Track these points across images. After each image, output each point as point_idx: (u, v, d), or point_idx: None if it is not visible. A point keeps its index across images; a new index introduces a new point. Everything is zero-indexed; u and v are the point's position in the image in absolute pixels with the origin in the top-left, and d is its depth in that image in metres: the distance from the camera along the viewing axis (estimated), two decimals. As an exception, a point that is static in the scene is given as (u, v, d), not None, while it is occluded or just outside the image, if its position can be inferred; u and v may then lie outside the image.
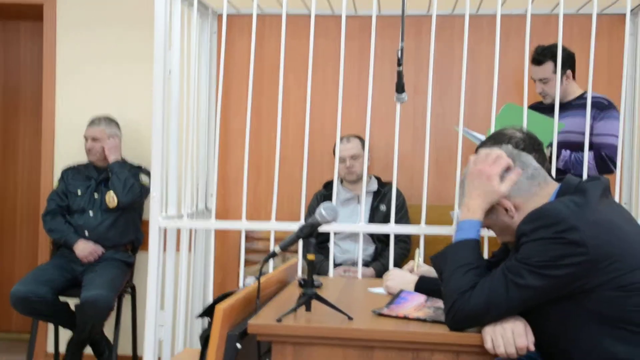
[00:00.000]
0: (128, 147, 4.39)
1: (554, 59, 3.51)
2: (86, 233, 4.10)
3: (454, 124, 4.07)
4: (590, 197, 1.78)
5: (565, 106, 3.60)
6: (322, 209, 2.02)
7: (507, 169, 1.89)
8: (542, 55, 3.63)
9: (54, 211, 4.15)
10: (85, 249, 4.04)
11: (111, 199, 4.10)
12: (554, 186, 1.91)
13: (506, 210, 1.89)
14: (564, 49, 3.59)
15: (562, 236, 1.70)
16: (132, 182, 4.08)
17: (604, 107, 3.54)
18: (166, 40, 3.24)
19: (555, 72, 3.54)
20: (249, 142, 3.28)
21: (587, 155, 3.17)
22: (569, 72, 3.67)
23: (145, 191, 4.04)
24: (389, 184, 3.99)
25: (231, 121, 4.34)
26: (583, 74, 3.97)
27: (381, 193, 4.02)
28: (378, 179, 4.12)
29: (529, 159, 1.93)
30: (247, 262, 3.61)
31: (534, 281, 1.72)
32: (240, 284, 3.49)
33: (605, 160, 3.45)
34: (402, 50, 2.80)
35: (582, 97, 3.65)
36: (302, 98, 3.30)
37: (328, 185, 4.04)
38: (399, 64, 2.79)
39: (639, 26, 3.92)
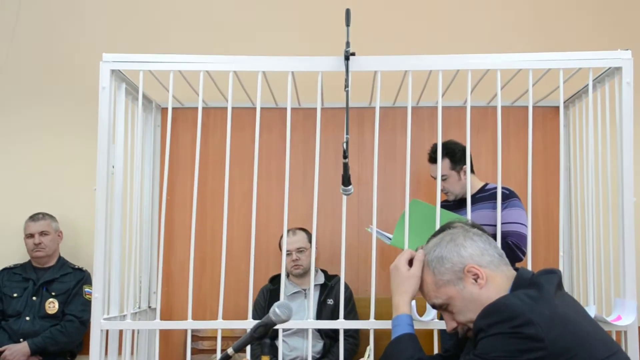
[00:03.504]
0: (65, 245, 4.27)
1: (448, 155, 3.63)
2: (21, 340, 3.90)
3: (399, 213, 4.11)
4: (545, 291, 1.77)
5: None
6: (277, 308, 1.97)
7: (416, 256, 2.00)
8: (436, 153, 3.68)
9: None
10: (13, 353, 3.83)
11: (51, 304, 3.95)
12: (513, 272, 1.92)
13: (475, 279, 1.88)
14: (456, 145, 3.70)
15: (518, 331, 1.68)
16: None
17: (507, 197, 3.61)
18: (110, 135, 3.19)
19: (452, 168, 3.68)
20: (194, 237, 3.21)
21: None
22: (464, 167, 3.74)
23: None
24: (336, 277, 3.95)
25: (175, 215, 4.27)
26: (519, 163, 4.11)
27: (328, 286, 3.97)
28: (324, 272, 4.07)
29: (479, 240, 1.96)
30: (192, 363, 3.47)
31: None
32: (186, 386, 3.34)
33: (513, 248, 3.48)
34: (347, 142, 2.81)
35: (483, 189, 3.74)
36: (247, 191, 3.28)
37: (274, 279, 3.97)
38: (345, 156, 2.79)
39: (571, 118, 4.08)
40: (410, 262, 2.03)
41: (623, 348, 3.02)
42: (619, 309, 3.11)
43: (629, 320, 3.03)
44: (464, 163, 3.71)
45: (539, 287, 1.78)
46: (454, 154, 3.69)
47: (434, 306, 1.96)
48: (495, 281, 1.88)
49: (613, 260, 3.26)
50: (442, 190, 3.77)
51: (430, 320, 3.01)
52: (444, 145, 3.68)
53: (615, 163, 3.21)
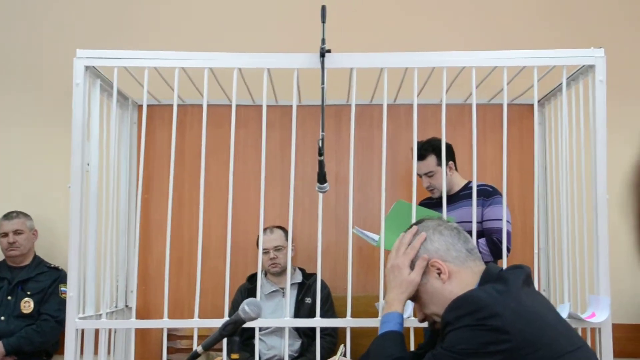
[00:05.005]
0: (41, 244, 4.23)
1: (435, 151, 3.63)
2: (-4, 340, 3.87)
3: (377, 211, 4.11)
4: (511, 285, 1.78)
5: (453, 198, 3.68)
6: (245, 306, 1.96)
7: (417, 258, 1.95)
8: (424, 149, 3.70)
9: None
10: None
11: (27, 304, 3.91)
12: (482, 267, 1.93)
13: (438, 273, 1.90)
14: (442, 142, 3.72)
15: (484, 323, 1.69)
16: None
17: (490, 194, 3.64)
18: (84, 132, 3.16)
19: (438, 164, 3.66)
20: (170, 235, 3.19)
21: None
22: (451, 163, 3.77)
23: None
24: (314, 276, 3.95)
25: (152, 213, 4.24)
26: (496, 160, 4.13)
27: (306, 285, 3.96)
28: (302, 270, 4.07)
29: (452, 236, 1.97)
30: (169, 362, 3.45)
31: None
32: (162, 385, 3.32)
33: (498, 244, 3.50)
34: (322, 139, 2.81)
35: (466, 187, 3.76)
36: (224, 189, 3.27)
37: (252, 278, 3.96)
38: (320, 153, 2.79)
39: (546, 116, 4.11)
40: (412, 264, 1.98)
41: (597, 345, 3.05)
42: (593, 305, 3.13)
43: (603, 317, 3.05)
44: (450, 159, 3.74)
45: (506, 281, 1.80)
46: (440, 150, 3.67)
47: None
48: (460, 276, 1.90)
49: (588, 257, 3.28)
50: (427, 188, 3.78)
51: (407, 317, 3.01)
52: (430, 142, 3.70)
53: (589, 160, 3.24)
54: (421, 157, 3.69)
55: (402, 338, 1.95)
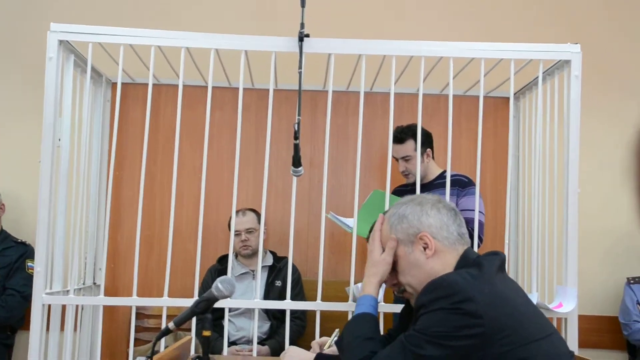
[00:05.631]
0: (8, 219, 4.17)
1: (414, 137, 3.64)
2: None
3: (350, 196, 4.13)
4: (485, 271, 1.80)
5: (427, 186, 3.69)
6: (219, 283, 1.95)
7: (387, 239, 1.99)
8: (404, 133, 3.72)
9: None
10: None
11: None
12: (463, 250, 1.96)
13: (425, 247, 1.92)
14: (423, 129, 3.73)
15: (458, 307, 1.70)
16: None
17: (465, 184, 3.67)
18: (56, 108, 3.12)
19: (416, 149, 3.67)
20: (141, 214, 3.17)
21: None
22: (429, 151, 3.79)
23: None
24: (285, 259, 3.95)
25: (123, 192, 4.20)
26: (470, 151, 4.16)
27: (276, 268, 3.97)
28: (273, 253, 4.07)
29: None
30: (137, 342, 3.43)
31: (432, 351, 1.71)
32: (129, 364, 3.31)
33: (472, 235, 3.53)
34: (299, 123, 2.81)
35: (442, 175, 3.77)
36: (197, 170, 3.25)
37: (222, 260, 3.95)
38: (296, 137, 2.79)
39: (521, 109, 4.14)
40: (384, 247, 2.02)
41: (563, 335, 3.10)
42: (560, 296, 3.19)
43: (570, 307, 3.11)
44: (428, 146, 3.75)
45: (480, 267, 1.82)
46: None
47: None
48: (444, 256, 1.91)
49: (557, 248, 3.33)
50: (402, 172, 3.79)
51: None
52: (410, 127, 3.71)
53: (562, 154, 3.28)
54: (400, 140, 3.70)
55: (374, 319, 1.96)
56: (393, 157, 3.72)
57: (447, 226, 1.95)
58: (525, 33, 4.36)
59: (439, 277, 1.81)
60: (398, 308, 2.82)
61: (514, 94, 3.53)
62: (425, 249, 1.92)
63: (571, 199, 3.19)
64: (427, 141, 3.76)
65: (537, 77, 3.33)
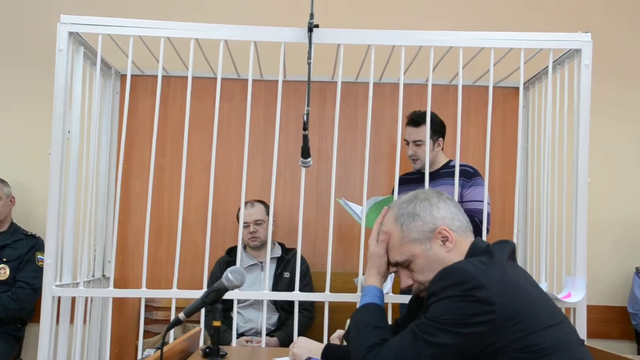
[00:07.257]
0: (18, 211, 4.19)
1: (430, 124, 3.63)
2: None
3: (358, 188, 4.12)
4: (496, 258, 1.81)
5: (433, 175, 3.66)
6: (229, 273, 1.95)
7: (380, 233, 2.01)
8: (422, 117, 3.65)
9: None
10: None
11: (2, 270, 3.87)
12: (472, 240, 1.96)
13: (444, 241, 1.91)
14: (438, 118, 3.72)
15: (471, 294, 1.70)
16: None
17: (471, 175, 3.65)
18: (66, 100, 3.12)
19: (430, 137, 3.66)
20: (150, 206, 3.17)
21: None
22: (440, 140, 3.77)
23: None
24: (293, 250, 3.95)
25: (132, 184, 4.21)
26: (479, 141, 4.15)
27: (285, 259, 3.97)
28: (282, 245, 4.07)
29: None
30: (146, 334, 3.44)
31: (444, 339, 1.71)
32: (139, 356, 3.32)
33: (478, 225, 3.52)
34: (307, 114, 2.81)
35: (448, 165, 3.76)
36: (206, 161, 3.25)
37: (231, 252, 3.95)
38: (305, 127, 2.78)
39: (530, 99, 4.13)
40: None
41: (571, 324, 3.10)
42: (569, 286, 3.18)
43: (578, 297, 3.10)
44: (440, 136, 3.74)
45: (491, 254, 1.82)
46: (434, 123, 3.65)
47: (395, 263, 1.98)
48: (461, 246, 1.92)
49: (566, 238, 3.32)
50: (410, 156, 3.76)
51: (385, 294, 3.03)
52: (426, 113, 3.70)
53: (571, 144, 3.26)
54: (417, 123, 3.68)
55: (381, 309, 1.96)
56: (404, 139, 3.71)
57: (456, 215, 1.95)
58: (533, 22, 4.34)
59: (449, 265, 1.81)
60: (406, 299, 2.82)
61: (524, 83, 3.51)
62: (444, 242, 1.91)
63: (580, 189, 3.17)
64: (441, 130, 3.74)
65: (547, 67, 3.31)
